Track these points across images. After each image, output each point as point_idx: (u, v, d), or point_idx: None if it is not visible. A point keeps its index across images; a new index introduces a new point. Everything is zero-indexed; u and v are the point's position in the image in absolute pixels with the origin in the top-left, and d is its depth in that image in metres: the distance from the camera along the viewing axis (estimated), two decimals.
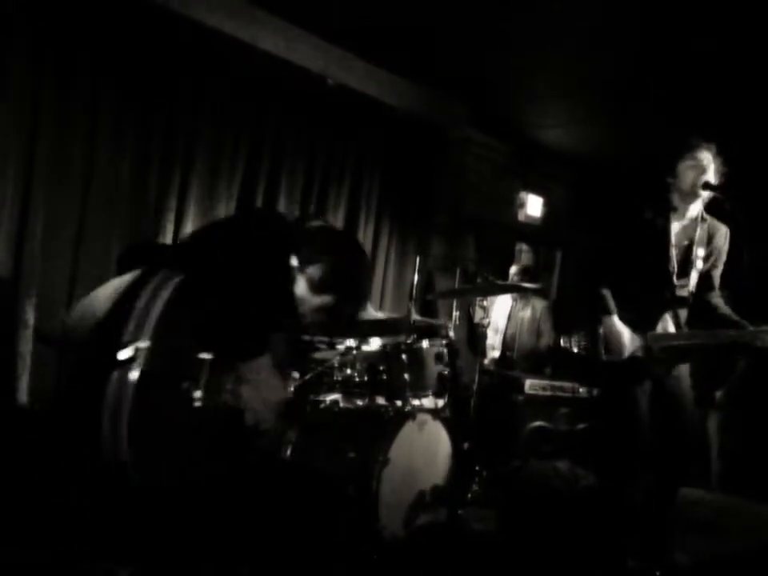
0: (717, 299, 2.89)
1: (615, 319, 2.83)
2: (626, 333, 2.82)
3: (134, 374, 1.60)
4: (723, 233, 2.89)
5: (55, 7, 3.19)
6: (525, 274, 5.12)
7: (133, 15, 3.40)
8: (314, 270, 1.99)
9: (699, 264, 2.83)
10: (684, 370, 2.87)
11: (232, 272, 1.80)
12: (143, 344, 1.60)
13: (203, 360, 1.74)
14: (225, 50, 3.81)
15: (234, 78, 3.94)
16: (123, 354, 1.59)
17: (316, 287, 2.02)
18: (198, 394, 1.74)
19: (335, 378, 3.17)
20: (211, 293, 1.73)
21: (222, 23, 3.74)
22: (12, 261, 3.16)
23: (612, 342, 2.83)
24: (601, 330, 2.87)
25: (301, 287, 2.02)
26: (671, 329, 2.82)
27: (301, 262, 1.98)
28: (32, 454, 1.79)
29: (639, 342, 2.82)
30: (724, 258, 2.91)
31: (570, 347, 3.01)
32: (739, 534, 3.37)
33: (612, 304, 2.86)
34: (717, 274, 2.92)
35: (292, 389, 2.06)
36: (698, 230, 2.85)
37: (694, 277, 2.83)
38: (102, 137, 3.44)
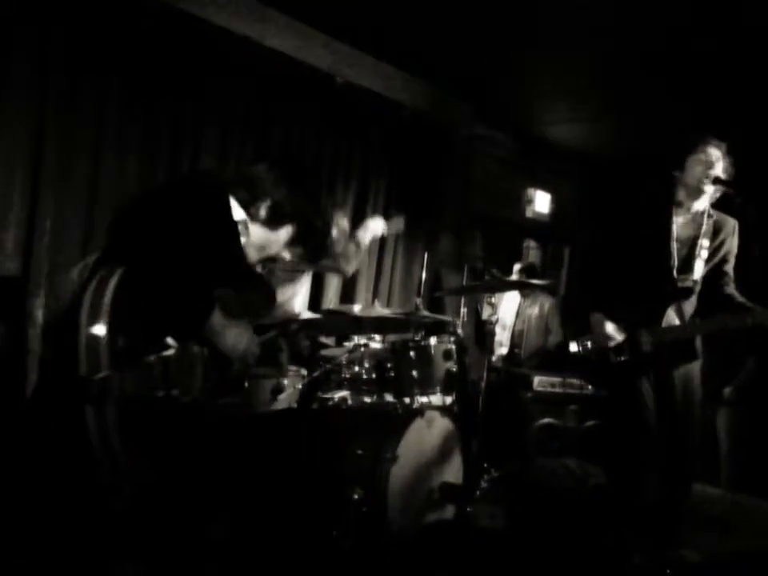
0: (731, 289, 2.87)
1: (600, 315, 2.85)
2: (608, 325, 2.83)
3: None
4: (732, 227, 2.87)
5: (61, 9, 3.19)
6: (527, 270, 5.11)
7: (138, 13, 3.40)
8: (263, 207, 1.96)
9: (704, 254, 2.81)
10: (695, 366, 2.86)
11: (174, 245, 1.74)
12: (100, 330, 1.55)
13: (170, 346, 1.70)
14: (232, 48, 3.80)
15: (241, 77, 3.94)
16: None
17: (272, 221, 1.98)
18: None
19: (343, 376, 3.18)
20: (156, 274, 1.69)
21: (230, 21, 3.74)
22: (21, 261, 3.17)
23: (596, 333, 2.86)
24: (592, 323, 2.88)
25: (257, 233, 1.98)
26: (676, 322, 2.81)
27: (245, 205, 1.95)
28: (37, 453, 1.76)
29: (626, 333, 2.81)
30: (735, 251, 2.89)
31: (579, 350, 3.01)
32: (749, 531, 3.36)
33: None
34: (729, 267, 2.90)
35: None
36: (704, 224, 2.83)
37: (698, 269, 2.81)
38: (109, 137, 3.44)
